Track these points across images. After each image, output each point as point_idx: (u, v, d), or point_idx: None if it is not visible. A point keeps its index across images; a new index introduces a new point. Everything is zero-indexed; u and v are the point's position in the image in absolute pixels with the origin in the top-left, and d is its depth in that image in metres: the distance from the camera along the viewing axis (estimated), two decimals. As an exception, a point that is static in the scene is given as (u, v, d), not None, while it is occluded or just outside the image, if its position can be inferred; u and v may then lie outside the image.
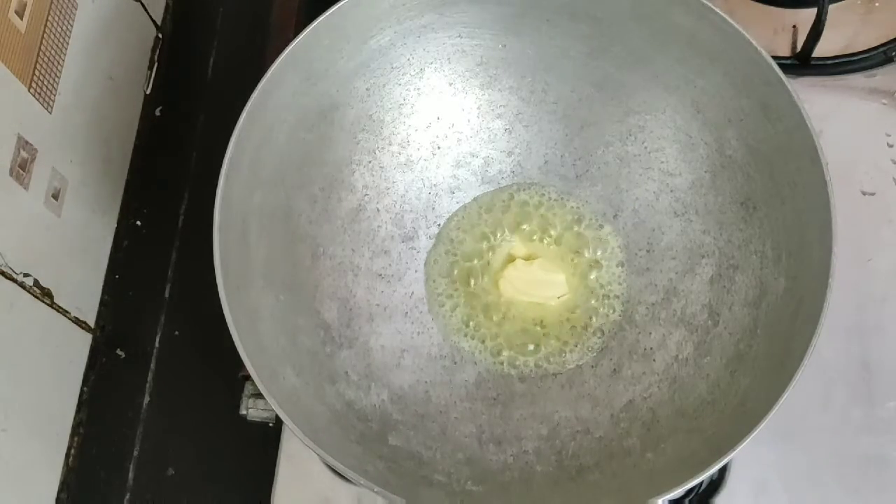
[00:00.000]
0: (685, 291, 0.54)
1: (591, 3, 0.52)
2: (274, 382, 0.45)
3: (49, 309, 0.59)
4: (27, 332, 0.57)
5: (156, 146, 0.71)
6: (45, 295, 0.58)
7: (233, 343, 0.43)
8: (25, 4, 0.54)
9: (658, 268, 0.56)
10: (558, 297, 0.56)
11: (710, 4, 0.48)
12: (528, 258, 0.57)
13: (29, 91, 0.55)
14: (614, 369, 0.54)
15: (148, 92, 0.72)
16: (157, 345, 0.66)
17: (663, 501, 0.43)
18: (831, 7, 0.59)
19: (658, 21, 0.51)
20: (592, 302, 0.56)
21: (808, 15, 0.61)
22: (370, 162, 0.57)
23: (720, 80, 0.51)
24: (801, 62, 0.61)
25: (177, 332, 0.66)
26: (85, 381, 0.64)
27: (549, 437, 0.52)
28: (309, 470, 0.53)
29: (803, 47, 0.60)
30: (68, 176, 0.61)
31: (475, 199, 0.59)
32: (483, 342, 0.55)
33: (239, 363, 0.43)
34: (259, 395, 0.53)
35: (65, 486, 0.61)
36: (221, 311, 0.44)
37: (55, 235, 0.60)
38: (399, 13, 0.52)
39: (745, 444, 0.42)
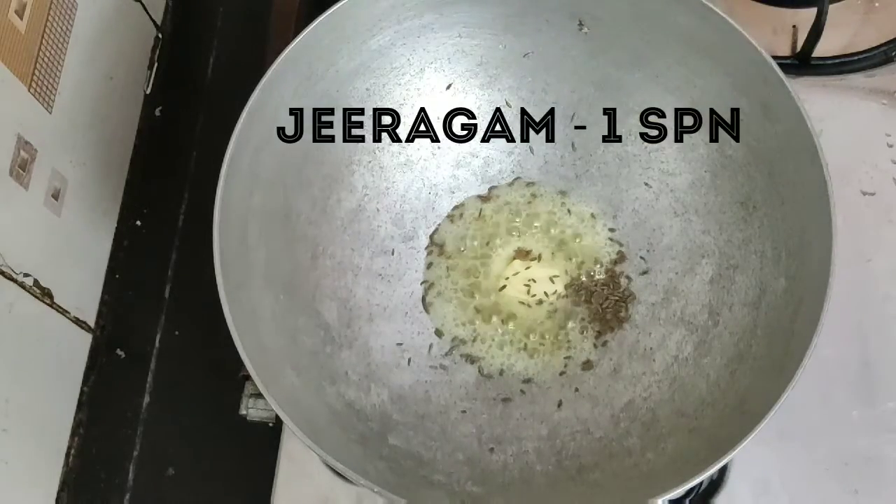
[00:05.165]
0: (685, 291, 0.54)
1: (591, 3, 0.52)
2: (274, 382, 0.45)
3: (49, 309, 0.59)
4: (27, 332, 0.57)
5: (156, 146, 0.71)
6: (45, 295, 0.58)
7: (233, 343, 0.43)
8: (25, 4, 0.54)
9: (658, 268, 0.56)
10: (557, 297, 0.56)
11: (710, 4, 0.48)
12: (527, 258, 0.57)
13: (29, 91, 0.55)
14: (614, 369, 0.54)
15: (148, 92, 0.72)
16: (157, 345, 0.66)
17: (663, 501, 0.43)
18: (831, 7, 0.59)
19: (658, 21, 0.51)
20: (592, 301, 0.56)
21: (808, 15, 0.61)
22: (370, 162, 0.57)
23: (720, 80, 0.51)
24: (801, 62, 0.61)
25: (177, 332, 0.66)
26: (85, 381, 0.64)
27: (549, 437, 0.52)
28: (309, 470, 0.53)
29: (803, 47, 0.60)
30: (68, 176, 0.61)
31: (475, 199, 0.59)
32: (483, 342, 0.55)
33: (239, 363, 0.43)
34: (259, 395, 0.53)
35: (65, 486, 0.61)
36: (221, 311, 0.44)
37: (55, 235, 0.60)
38: (399, 13, 0.52)
39: (745, 444, 0.42)
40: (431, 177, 0.58)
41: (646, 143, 0.56)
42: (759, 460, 0.53)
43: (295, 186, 0.53)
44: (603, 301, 0.55)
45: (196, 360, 0.65)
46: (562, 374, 0.54)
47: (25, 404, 0.57)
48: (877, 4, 0.63)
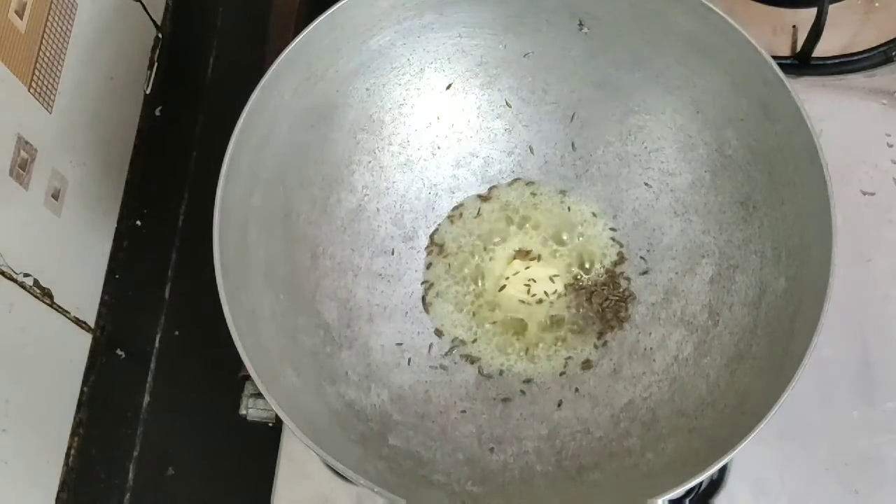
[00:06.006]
0: (685, 291, 0.54)
1: (591, 3, 0.52)
2: (274, 382, 0.45)
3: (49, 309, 0.59)
4: (27, 332, 0.57)
5: (156, 146, 0.71)
6: (45, 295, 0.58)
7: (233, 343, 0.44)
8: (25, 4, 0.54)
9: (658, 268, 0.56)
10: (558, 296, 0.56)
11: (710, 4, 0.48)
12: (527, 258, 0.57)
13: (29, 91, 0.55)
14: (614, 369, 0.54)
15: (148, 92, 0.72)
16: (157, 345, 0.66)
17: (663, 501, 0.43)
18: (831, 7, 0.59)
19: (658, 21, 0.51)
20: (592, 301, 0.56)
21: (808, 15, 0.61)
22: (370, 162, 0.57)
23: (720, 80, 0.51)
24: (801, 62, 0.61)
25: (177, 332, 0.66)
26: (85, 381, 0.64)
27: (549, 437, 0.52)
28: (309, 470, 0.53)
29: (803, 47, 0.60)
30: (68, 176, 0.61)
31: (475, 199, 0.59)
32: (483, 342, 0.55)
33: (239, 363, 0.43)
34: (259, 395, 0.53)
35: (65, 486, 0.61)
36: (221, 311, 0.44)
37: (55, 235, 0.60)
38: (399, 13, 0.52)
39: (745, 444, 0.42)
40: (431, 177, 0.58)
41: (646, 143, 0.56)
42: (759, 460, 0.53)
43: (295, 186, 0.53)
44: (603, 301, 0.55)
45: (196, 360, 0.65)
46: (562, 374, 0.54)
47: (25, 404, 0.57)
48: (877, 4, 0.63)
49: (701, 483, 0.52)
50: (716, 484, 0.53)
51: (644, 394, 0.52)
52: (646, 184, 0.57)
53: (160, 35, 0.73)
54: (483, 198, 0.59)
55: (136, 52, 0.70)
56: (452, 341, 0.55)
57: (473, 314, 0.56)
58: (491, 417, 0.53)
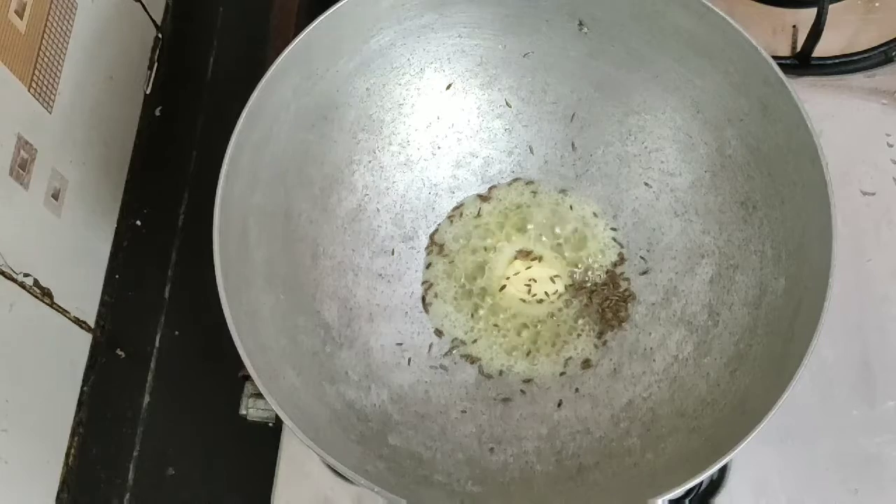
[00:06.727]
0: (685, 291, 0.54)
1: (591, 3, 0.52)
2: (274, 382, 0.45)
3: (49, 309, 0.59)
4: (27, 332, 0.57)
5: (156, 146, 0.71)
6: (45, 295, 0.58)
7: (233, 343, 0.44)
8: (25, 4, 0.54)
9: (658, 268, 0.56)
10: (558, 296, 0.56)
11: (710, 4, 0.48)
12: (527, 258, 0.57)
13: (29, 91, 0.55)
14: (614, 369, 0.54)
15: (148, 92, 0.72)
16: (157, 345, 0.66)
17: (663, 501, 0.43)
18: (831, 7, 0.59)
19: (658, 21, 0.51)
20: (592, 301, 0.56)
21: (808, 15, 0.61)
22: (370, 162, 0.57)
23: (720, 80, 0.51)
24: (801, 62, 0.61)
25: (177, 332, 0.66)
26: (85, 381, 0.64)
27: (549, 437, 0.52)
28: (309, 470, 0.53)
29: (803, 47, 0.60)
30: (68, 176, 0.61)
31: (475, 199, 0.59)
32: (483, 342, 0.55)
33: (239, 363, 0.43)
34: (259, 395, 0.53)
35: (65, 486, 0.61)
36: (221, 311, 0.44)
37: (55, 235, 0.60)
38: (399, 13, 0.52)
39: (745, 444, 0.42)
40: (431, 177, 0.58)
41: (646, 143, 0.56)
42: (759, 460, 0.53)
43: (295, 186, 0.53)
44: (603, 301, 0.55)
45: (196, 360, 0.65)
46: (562, 374, 0.54)
47: (25, 404, 0.57)
48: (877, 4, 0.63)
49: (701, 483, 0.52)
50: (716, 484, 0.53)
51: (644, 394, 0.52)
52: (646, 184, 0.57)
53: (160, 35, 0.73)
54: (483, 198, 0.59)
55: (136, 52, 0.70)
56: (452, 341, 0.55)
57: (473, 314, 0.56)
58: (491, 417, 0.53)
